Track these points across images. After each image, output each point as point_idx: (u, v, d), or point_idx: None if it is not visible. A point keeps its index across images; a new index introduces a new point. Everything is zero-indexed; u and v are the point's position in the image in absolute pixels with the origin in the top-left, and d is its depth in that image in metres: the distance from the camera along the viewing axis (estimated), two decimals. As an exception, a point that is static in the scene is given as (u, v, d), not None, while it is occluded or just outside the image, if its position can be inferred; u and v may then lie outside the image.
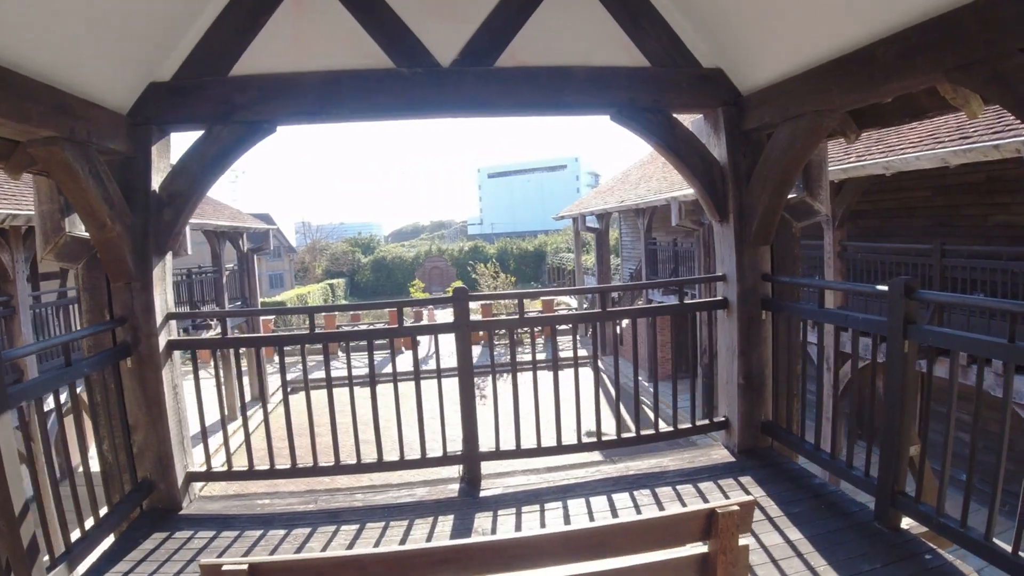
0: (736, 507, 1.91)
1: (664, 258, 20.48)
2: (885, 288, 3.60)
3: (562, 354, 17.87)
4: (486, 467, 4.90)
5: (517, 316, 4.86)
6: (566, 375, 10.85)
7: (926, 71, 3.10)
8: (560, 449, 4.88)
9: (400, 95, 4.43)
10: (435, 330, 4.91)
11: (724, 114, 4.69)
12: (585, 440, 4.89)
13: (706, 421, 5.13)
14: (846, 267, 11.73)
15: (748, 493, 4.28)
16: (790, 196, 4.81)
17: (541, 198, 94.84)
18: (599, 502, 4.32)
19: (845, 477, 4.12)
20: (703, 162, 4.79)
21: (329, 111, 4.45)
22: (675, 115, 4.79)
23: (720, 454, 4.97)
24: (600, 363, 20.83)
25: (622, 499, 4.33)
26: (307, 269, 61.84)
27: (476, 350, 25.12)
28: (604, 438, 4.92)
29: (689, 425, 5.09)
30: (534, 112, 4.71)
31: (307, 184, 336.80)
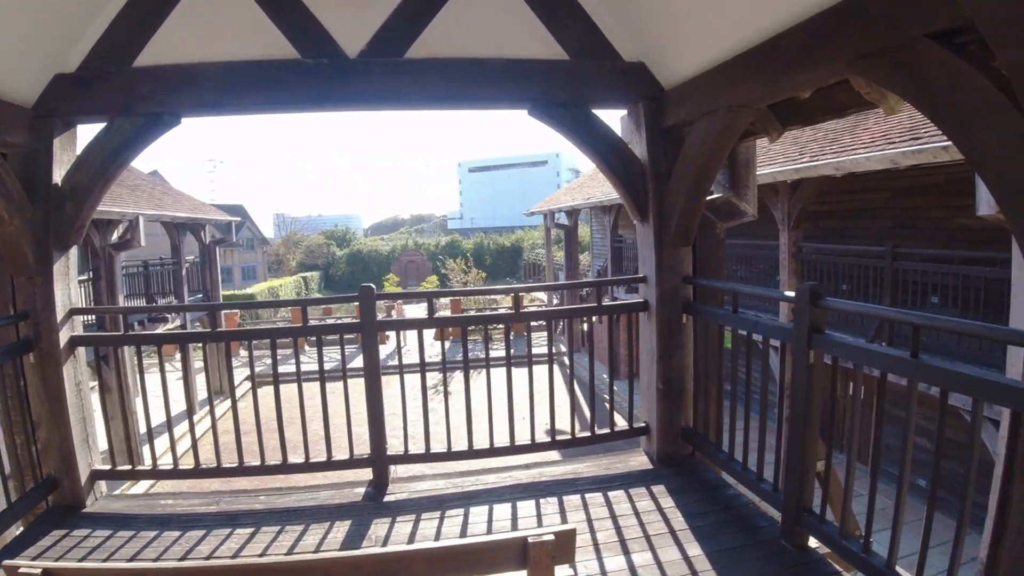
0: (551, 536, 1.75)
1: (630, 255, 20.33)
2: (792, 294, 3.45)
3: (515, 352, 17.60)
4: (409, 470, 4.78)
5: (426, 317, 4.66)
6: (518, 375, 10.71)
7: (830, 62, 2.91)
8: (471, 453, 4.72)
9: (304, 87, 4.24)
10: (340, 329, 4.76)
11: (644, 110, 4.52)
12: (497, 445, 4.74)
13: (626, 427, 4.98)
14: (801, 268, 11.65)
15: (657, 503, 4.14)
16: (715, 196, 4.67)
17: (522, 193, 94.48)
18: (502, 510, 4.16)
19: (755, 490, 3.98)
20: (623, 160, 4.62)
21: (231, 103, 4.29)
22: (597, 110, 4.63)
23: (639, 461, 4.83)
24: (566, 360, 20.76)
25: (526, 507, 4.18)
26: (281, 262, 61.31)
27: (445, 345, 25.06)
28: (518, 442, 4.77)
29: (607, 430, 4.94)
30: (446, 105, 4.53)
31: (288, 175, 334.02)
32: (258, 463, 4.63)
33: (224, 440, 4.66)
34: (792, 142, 11.60)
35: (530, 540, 1.75)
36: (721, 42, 3.66)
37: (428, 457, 4.70)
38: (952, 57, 2.24)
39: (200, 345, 19.10)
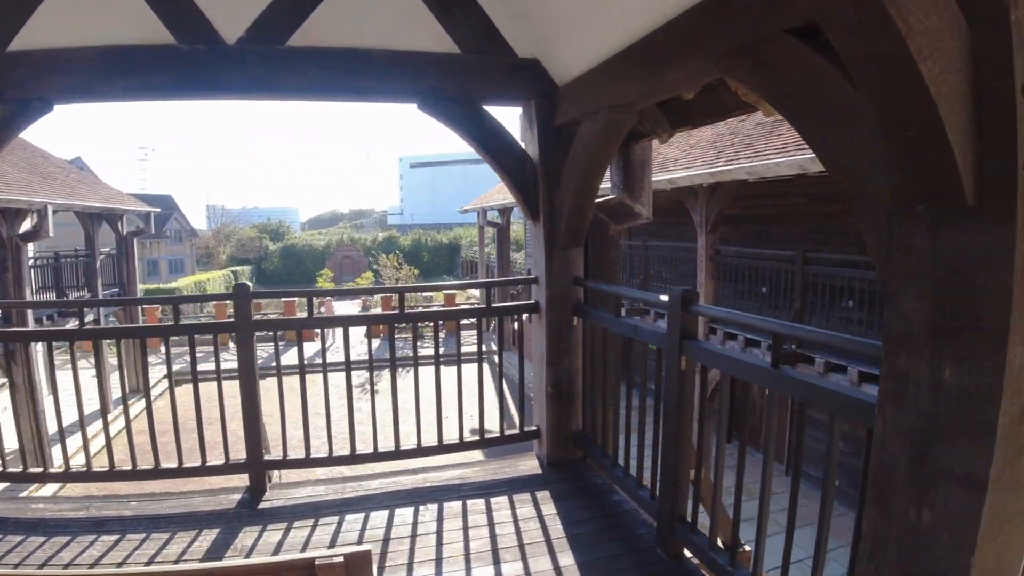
0: (340, 559, 1.62)
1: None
2: (666, 299, 3.38)
3: (422, 352, 17.35)
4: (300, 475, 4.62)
5: (306, 316, 4.49)
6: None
7: (698, 59, 2.79)
8: (353, 458, 4.57)
9: (176, 73, 4.00)
10: (216, 329, 4.54)
11: (536, 107, 4.41)
12: (382, 450, 4.58)
13: (516, 431, 4.88)
14: (718, 271, 11.77)
15: (539, 510, 4.06)
16: (609, 197, 4.60)
17: (464, 190, 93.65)
18: (378, 517, 4.01)
19: (634, 497, 3.93)
20: (514, 158, 4.51)
21: (101, 89, 4.02)
22: (491, 107, 4.51)
23: (529, 465, 4.74)
24: (495, 359, 20.64)
25: (404, 514, 4.04)
26: (211, 255, 59.74)
27: (375, 343, 24.69)
28: (402, 447, 4.62)
29: (497, 435, 4.83)
30: (329, 96, 4.35)
31: (226, 165, 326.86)
32: (129, 467, 4.40)
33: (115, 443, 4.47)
34: (711, 146, 11.72)
35: (317, 563, 1.62)
36: (607, 39, 3.57)
37: (308, 462, 4.51)
38: (813, 55, 2.11)
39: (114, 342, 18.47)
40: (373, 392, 4.63)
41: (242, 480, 4.52)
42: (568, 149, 4.30)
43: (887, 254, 1.93)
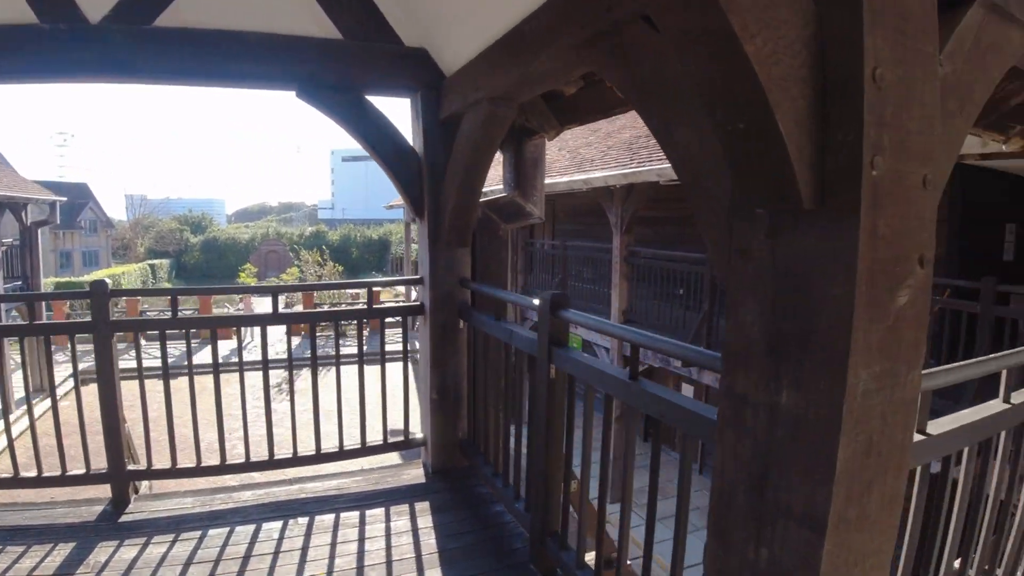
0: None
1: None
2: (537, 303, 3.22)
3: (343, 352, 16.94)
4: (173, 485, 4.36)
5: (170, 316, 4.22)
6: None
7: (564, 48, 2.62)
8: (224, 469, 4.28)
9: (37, 54, 3.64)
10: (72, 329, 4.22)
11: (422, 99, 4.21)
12: (254, 459, 4.32)
13: (400, 438, 4.67)
14: (633, 272, 11.76)
15: (415, 523, 3.86)
16: (500, 195, 4.44)
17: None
18: (243, 532, 3.75)
19: (510, 509, 3.76)
20: (398, 153, 4.29)
21: (-38, 71, 3.69)
22: (375, 97, 4.29)
23: (413, 474, 4.54)
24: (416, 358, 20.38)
25: (271, 529, 3.79)
26: (128, 247, 57.59)
27: (295, 341, 24.08)
28: (277, 456, 4.37)
29: (380, 442, 4.61)
30: (200, 81, 4.05)
31: (150, 153, 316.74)
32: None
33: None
34: (627, 148, 11.72)
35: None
36: (489, 27, 3.37)
37: (174, 473, 4.22)
38: (662, 40, 1.98)
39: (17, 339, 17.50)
40: (244, 398, 4.35)
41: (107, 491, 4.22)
42: (453, 144, 4.11)
43: (727, 258, 1.77)
